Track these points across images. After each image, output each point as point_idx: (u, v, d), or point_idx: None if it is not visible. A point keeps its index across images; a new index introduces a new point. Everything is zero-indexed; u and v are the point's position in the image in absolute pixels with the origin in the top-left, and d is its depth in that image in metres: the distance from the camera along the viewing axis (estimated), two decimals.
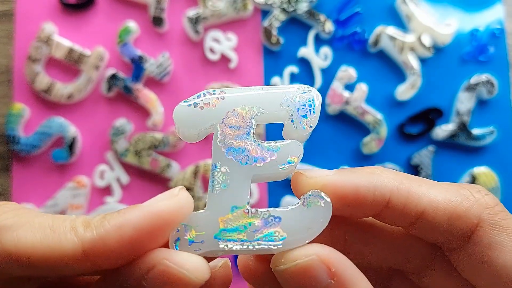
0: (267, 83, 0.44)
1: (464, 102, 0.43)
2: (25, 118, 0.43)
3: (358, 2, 0.44)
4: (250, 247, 0.18)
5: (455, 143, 0.44)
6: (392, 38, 0.43)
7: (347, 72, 0.43)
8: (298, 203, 0.18)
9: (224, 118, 0.20)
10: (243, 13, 0.43)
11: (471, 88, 0.43)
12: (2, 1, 0.45)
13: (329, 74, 0.44)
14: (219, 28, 0.44)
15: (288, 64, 0.44)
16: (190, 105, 0.19)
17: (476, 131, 0.43)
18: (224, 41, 0.43)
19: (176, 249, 0.18)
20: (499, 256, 0.17)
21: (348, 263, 0.17)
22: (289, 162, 0.20)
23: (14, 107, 0.43)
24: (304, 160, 0.43)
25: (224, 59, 0.44)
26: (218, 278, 0.18)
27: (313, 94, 0.20)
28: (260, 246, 0.18)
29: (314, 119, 0.20)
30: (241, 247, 0.18)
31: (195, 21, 0.43)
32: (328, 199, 0.18)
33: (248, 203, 0.19)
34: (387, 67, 0.45)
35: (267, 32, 0.43)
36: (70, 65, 0.43)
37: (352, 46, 0.44)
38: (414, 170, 0.43)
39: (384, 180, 0.18)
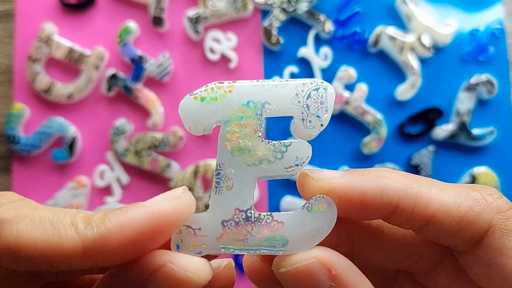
0: None
1: (464, 102, 0.43)
2: (25, 118, 0.43)
3: (358, 2, 0.44)
4: (251, 252, 0.18)
5: (455, 143, 0.44)
6: (392, 38, 0.43)
7: (347, 72, 0.43)
8: (302, 207, 0.18)
9: (231, 114, 0.18)
10: (243, 13, 0.43)
11: (471, 88, 0.43)
12: (2, 1, 0.45)
13: (329, 74, 0.44)
14: (219, 28, 0.44)
15: (288, 64, 0.44)
16: (197, 98, 0.18)
17: (476, 131, 0.43)
18: (224, 41, 0.43)
19: (178, 250, 0.17)
20: (509, 262, 0.17)
21: (349, 266, 0.17)
22: (296, 165, 0.18)
23: (14, 107, 0.43)
24: None
25: (224, 59, 0.44)
26: (222, 278, 0.18)
27: (328, 90, 0.18)
28: (262, 251, 0.18)
29: (326, 118, 0.18)
30: (243, 252, 0.18)
31: (195, 21, 0.43)
32: (333, 207, 0.18)
33: (251, 206, 0.19)
34: (387, 67, 0.44)
35: (267, 32, 0.43)
36: (70, 65, 0.43)
37: (352, 46, 0.44)
38: (414, 170, 0.43)
39: (392, 184, 0.18)
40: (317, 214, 0.18)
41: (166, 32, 0.44)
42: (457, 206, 0.17)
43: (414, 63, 0.43)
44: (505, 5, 0.46)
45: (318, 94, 0.18)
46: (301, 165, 0.18)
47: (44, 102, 0.44)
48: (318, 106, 0.18)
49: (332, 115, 0.44)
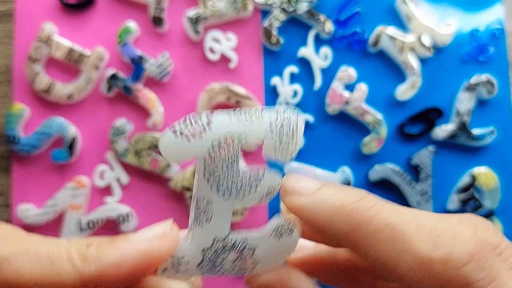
0: (267, 83, 0.44)
1: (464, 102, 0.43)
2: (25, 118, 0.43)
3: (358, 2, 0.44)
4: (228, 274, 0.21)
5: (455, 143, 0.44)
6: (392, 38, 0.43)
7: (347, 72, 0.43)
8: (273, 232, 0.21)
9: (210, 149, 0.20)
10: (243, 13, 0.43)
11: (471, 88, 0.43)
12: (2, 1, 0.45)
13: (329, 74, 0.44)
14: (219, 28, 0.44)
15: (288, 64, 0.44)
16: (177, 134, 0.19)
17: (476, 131, 0.43)
18: (224, 41, 0.43)
19: (164, 275, 0.20)
20: None
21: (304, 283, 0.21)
22: (267, 194, 0.21)
23: (14, 107, 0.43)
24: (304, 160, 0.43)
25: (224, 59, 0.44)
26: None
27: (296, 118, 0.20)
28: (236, 273, 0.21)
29: (298, 143, 0.20)
30: (220, 275, 0.21)
31: (195, 21, 0.43)
32: (297, 233, 0.21)
33: (229, 231, 0.21)
34: (387, 67, 0.44)
35: (267, 32, 0.43)
36: (70, 65, 0.43)
37: (352, 46, 0.44)
38: (414, 170, 0.43)
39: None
40: (283, 240, 0.21)
41: (166, 32, 0.44)
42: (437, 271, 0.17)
43: (414, 63, 0.43)
44: (505, 5, 0.46)
45: (290, 124, 0.20)
46: (273, 194, 0.21)
47: (44, 102, 0.44)
48: (290, 133, 0.20)
49: (332, 115, 0.44)
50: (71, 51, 0.43)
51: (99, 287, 0.17)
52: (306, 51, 0.44)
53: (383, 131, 0.43)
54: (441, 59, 0.45)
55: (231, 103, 0.43)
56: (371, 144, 0.43)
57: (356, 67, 0.43)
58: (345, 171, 0.42)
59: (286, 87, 0.43)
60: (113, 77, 0.43)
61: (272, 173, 0.21)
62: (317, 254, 0.23)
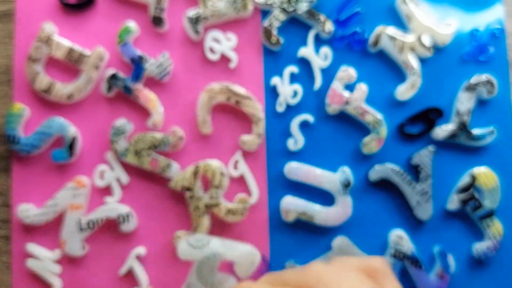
0: (267, 83, 0.44)
1: (464, 102, 0.43)
2: (25, 118, 0.43)
3: (358, 2, 0.45)
4: None
5: (455, 143, 0.44)
6: (392, 38, 0.43)
7: (347, 72, 0.43)
8: None
9: (204, 257, 0.35)
10: (243, 13, 0.43)
11: (471, 88, 0.43)
12: (2, 1, 0.45)
13: (329, 74, 0.44)
14: (219, 28, 0.44)
15: (288, 64, 0.44)
16: (189, 245, 0.35)
17: (476, 131, 0.43)
18: (224, 41, 0.44)
19: None
20: None
21: None
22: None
23: (14, 107, 0.43)
24: (304, 160, 0.44)
25: (224, 59, 0.44)
26: None
27: (255, 258, 0.36)
28: None
29: (252, 270, 0.36)
30: None
31: (195, 21, 0.43)
32: None
33: None
34: (387, 67, 0.45)
35: (267, 32, 0.43)
36: (70, 65, 0.43)
37: (352, 46, 0.44)
38: (414, 170, 0.43)
39: None
40: None
41: (166, 32, 0.44)
42: None
43: (414, 63, 0.43)
44: (505, 5, 0.46)
45: (252, 260, 0.36)
46: None
47: (44, 102, 0.44)
48: (249, 265, 0.36)
49: (332, 115, 0.44)
50: (71, 51, 0.43)
51: None
52: (306, 51, 0.44)
53: (383, 131, 0.43)
54: (441, 59, 0.45)
55: (231, 103, 0.43)
56: (371, 144, 0.43)
57: (356, 67, 0.44)
58: (345, 171, 0.43)
59: (286, 87, 0.44)
60: (113, 77, 0.43)
61: (231, 279, 0.35)
62: None
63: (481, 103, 0.45)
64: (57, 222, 0.42)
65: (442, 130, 0.43)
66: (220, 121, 0.44)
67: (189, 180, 0.42)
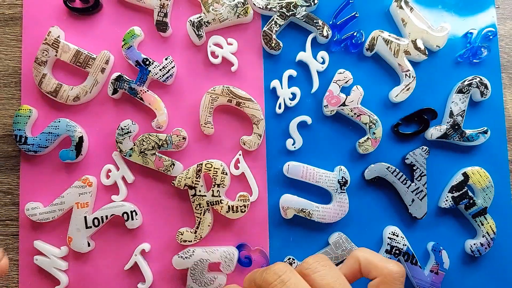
0: (267, 85, 0.44)
1: (458, 103, 0.44)
2: (32, 119, 0.44)
3: (355, 6, 0.45)
4: None
5: (449, 142, 0.45)
6: (388, 42, 0.44)
7: (344, 74, 0.43)
8: None
9: (193, 263, 0.42)
10: (244, 18, 0.44)
11: (464, 90, 0.44)
12: (9, 5, 0.46)
13: (326, 76, 0.44)
14: (221, 33, 0.45)
15: (287, 68, 0.44)
16: (180, 257, 0.42)
17: (469, 132, 0.44)
18: (226, 46, 0.44)
19: None
20: None
21: None
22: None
23: (21, 108, 0.43)
24: (302, 159, 0.44)
25: (226, 62, 0.44)
26: None
27: (234, 255, 0.43)
28: None
29: (233, 265, 0.43)
30: None
31: (197, 26, 0.43)
32: None
33: None
34: (383, 70, 0.45)
35: (267, 37, 0.44)
36: (76, 68, 0.44)
37: (348, 49, 0.45)
38: (409, 169, 0.44)
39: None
40: None
41: (170, 37, 0.45)
42: None
43: (409, 65, 0.44)
44: (498, 9, 0.47)
45: (231, 258, 0.42)
46: None
47: (51, 104, 0.44)
48: (229, 261, 0.42)
49: (329, 116, 0.44)
50: (77, 54, 0.43)
51: None
52: (304, 55, 0.44)
53: (379, 131, 0.43)
54: (435, 62, 0.45)
55: (232, 105, 0.43)
56: (366, 144, 0.43)
57: (353, 69, 0.44)
58: (342, 169, 0.43)
59: (285, 90, 0.44)
60: (118, 79, 0.43)
61: (220, 276, 0.42)
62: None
63: (474, 104, 0.45)
64: (64, 219, 0.43)
65: (436, 130, 0.44)
66: (221, 122, 0.44)
67: (191, 178, 0.42)
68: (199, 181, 0.42)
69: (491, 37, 0.45)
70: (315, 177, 0.43)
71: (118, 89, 0.43)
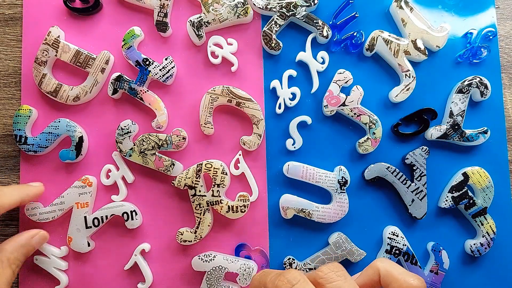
0: (267, 85, 0.44)
1: (458, 103, 0.44)
2: (32, 119, 0.44)
3: (355, 7, 0.45)
4: None
5: (449, 143, 0.45)
6: (388, 42, 0.44)
7: (344, 74, 0.43)
8: None
9: (212, 268, 0.42)
10: (244, 18, 0.44)
11: (464, 90, 0.44)
12: (10, 5, 0.46)
13: (326, 76, 0.44)
14: (221, 33, 0.45)
15: (287, 68, 0.44)
16: (200, 259, 0.42)
17: (469, 132, 0.44)
18: (226, 46, 0.44)
19: None
20: None
21: None
22: None
23: (21, 108, 0.43)
24: (302, 159, 0.44)
25: (226, 62, 0.44)
26: None
27: (253, 269, 0.42)
28: None
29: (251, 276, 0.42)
30: None
31: (197, 26, 0.43)
32: None
33: None
34: (383, 70, 0.45)
35: (267, 37, 0.44)
36: (76, 68, 0.44)
37: (348, 49, 0.45)
38: (409, 169, 0.44)
39: None
40: None
41: (170, 37, 0.45)
42: None
43: (409, 65, 0.44)
44: (498, 9, 0.47)
45: (249, 272, 0.42)
46: None
47: (52, 104, 0.44)
48: (247, 275, 0.42)
49: (329, 116, 0.44)
50: (77, 54, 0.43)
51: None
52: (304, 55, 0.44)
53: (379, 131, 0.43)
54: (435, 62, 0.45)
55: (232, 105, 0.43)
56: (366, 144, 0.43)
57: (353, 70, 0.44)
58: (342, 169, 0.43)
59: (285, 90, 0.44)
60: (118, 79, 0.43)
61: (234, 287, 0.42)
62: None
63: (474, 104, 0.45)
64: (64, 219, 0.43)
65: (436, 131, 0.44)
66: (221, 122, 0.44)
67: (191, 178, 0.42)
68: (199, 181, 0.42)
69: (491, 37, 0.45)
70: (315, 177, 0.43)
71: (118, 89, 0.43)
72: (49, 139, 0.43)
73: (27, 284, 0.43)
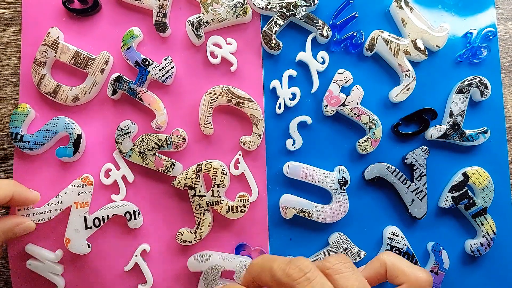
0: (266, 85, 0.45)
1: (458, 103, 0.44)
2: (30, 118, 0.43)
3: (354, 7, 0.45)
4: None
5: (449, 142, 0.45)
6: (388, 42, 0.44)
7: (344, 74, 0.43)
8: None
9: (208, 268, 0.42)
10: (243, 18, 0.44)
11: (464, 90, 0.44)
12: (9, 5, 0.46)
13: (326, 76, 0.44)
14: (220, 33, 0.45)
15: (287, 68, 0.44)
16: (195, 260, 0.42)
17: (469, 132, 0.44)
18: (225, 46, 0.44)
19: None
20: None
21: None
22: None
23: (19, 106, 0.43)
24: (302, 159, 0.44)
25: (225, 62, 0.44)
26: None
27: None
28: None
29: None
30: None
31: (196, 26, 0.44)
32: None
33: None
34: (383, 70, 0.45)
35: (267, 37, 0.44)
36: (75, 69, 0.44)
37: (348, 49, 0.45)
38: (409, 169, 0.44)
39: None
40: None
41: (169, 37, 0.45)
42: None
43: (409, 65, 0.44)
44: (498, 9, 0.47)
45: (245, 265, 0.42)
46: None
47: (50, 104, 0.44)
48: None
49: (329, 116, 0.45)
50: (76, 54, 0.43)
51: None
52: (304, 55, 0.44)
53: (379, 131, 0.43)
54: (435, 62, 0.45)
55: (232, 105, 0.43)
56: (366, 144, 0.43)
57: (353, 69, 0.44)
58: (342, 169, 0.43)
59: (285, 90, 0.44)
60: (118, 79, 0.43)
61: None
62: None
63: (474, 104, 0.45)
64: (62, 219, 0.43)
65: (436, 131, 0.44)
66: (221, 122, 0.44)
67: (191, 179, 0.42)
68: (198, 181, 0.42)
69: (491, 37, 0.45)
70: (315, 177, 0.43)
71: (118, 89, 0.43)
72: (46, 136, 0.43)
73: None
